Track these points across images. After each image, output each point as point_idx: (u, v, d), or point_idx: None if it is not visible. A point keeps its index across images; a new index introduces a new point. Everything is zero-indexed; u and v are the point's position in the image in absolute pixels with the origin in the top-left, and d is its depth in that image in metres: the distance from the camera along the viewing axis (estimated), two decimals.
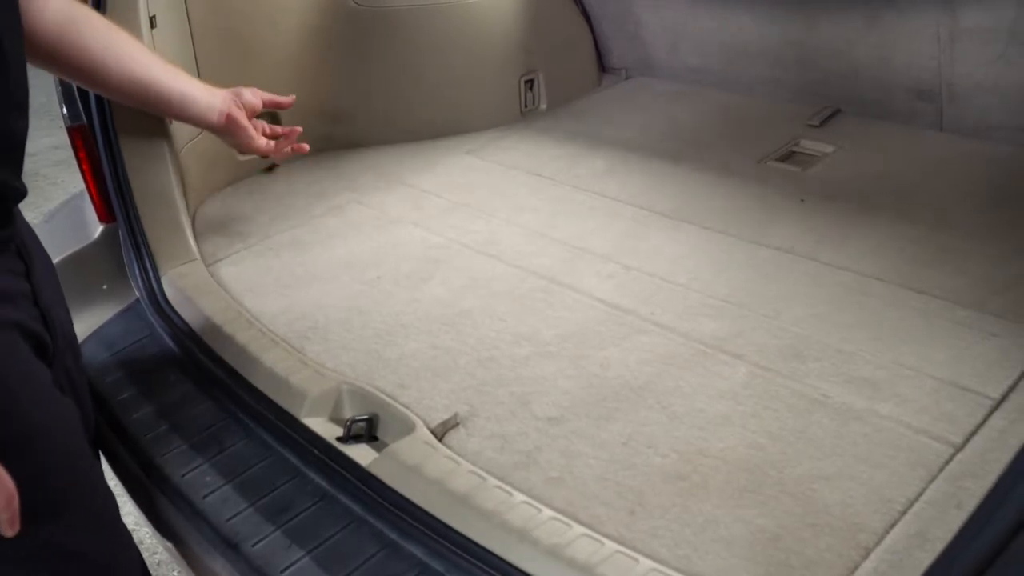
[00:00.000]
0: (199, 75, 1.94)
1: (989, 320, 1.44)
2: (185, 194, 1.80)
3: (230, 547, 1.16)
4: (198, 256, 1.72)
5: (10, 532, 0.90)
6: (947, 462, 1.15)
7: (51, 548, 1.08)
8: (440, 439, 1.26)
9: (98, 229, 1.74)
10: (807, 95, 2.32)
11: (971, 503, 1.05)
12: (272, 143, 1.75)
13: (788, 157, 2.11)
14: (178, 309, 1.59)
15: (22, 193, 1.11)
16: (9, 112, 1.05)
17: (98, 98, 1.64)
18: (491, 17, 2.34)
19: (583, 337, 1.48)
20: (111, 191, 1.67)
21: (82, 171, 1.71)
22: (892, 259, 1.63)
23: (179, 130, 1.83)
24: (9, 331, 1.06)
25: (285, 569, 1.11)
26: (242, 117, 1.65)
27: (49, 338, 1.15)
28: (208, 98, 1.61)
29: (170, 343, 1.56)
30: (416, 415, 1.29)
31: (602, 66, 2.73)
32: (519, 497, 1.13)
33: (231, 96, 1.64)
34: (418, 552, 1.11)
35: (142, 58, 1.49)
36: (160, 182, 1.72)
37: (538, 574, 1.02)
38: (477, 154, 2.24)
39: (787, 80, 2.35)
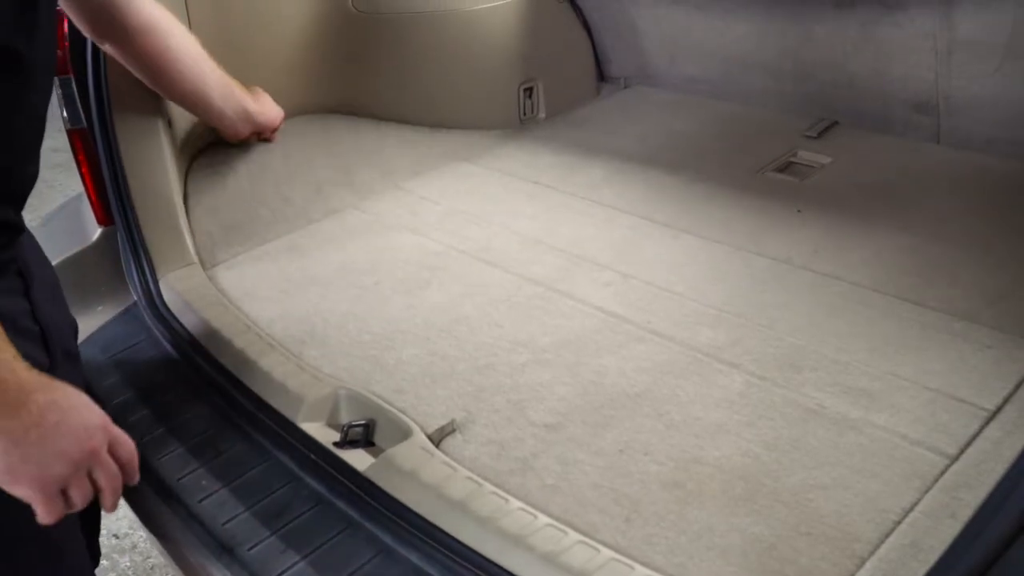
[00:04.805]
0: None
1: (984, 331, 1.44)
2: (185, 197, 1.81)
3: (226, 551, 1.16)
4: (196, 260, 1.72)
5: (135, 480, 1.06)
6: (942, 473, 1.16)
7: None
8: (437, 445, 1.27)
9: (96, 232, 1.74)
10: (805, 106, 2.33)
11: (965, 514, 1.06)
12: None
13: (786, 168, 2.12)
14: (176, 313, 1.59)
15: (22, 228, 1.17)
16: (28, 157, 1.11)
17: (99, 102, 1.65)
18: (491, 25, 2.35)
19: (580, 344, 1.48)
20: (110, 194, 1.68)
21: (81, 174, 1.71)
22: (888, 270, 1.64)
23: (178, 132, 1.83)
24: None
25: (281, 574, 1.11)
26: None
27: (46, 355, 1.15)
28: (232, 119, 1.86)
29: (167, 347, 1.56)
30: (413, 421, 1.30)
31: (601, 75, 2.73)
32: (515, 503, 1.13)
33: (251, 123, 1.93)
34: (413, 558, 1.11)
35: (203, 74, 1.72)
36: (159, 185, 1.72)
37: None
38: (475, 161, 2.24)
39: (784, 91, 2.35)
